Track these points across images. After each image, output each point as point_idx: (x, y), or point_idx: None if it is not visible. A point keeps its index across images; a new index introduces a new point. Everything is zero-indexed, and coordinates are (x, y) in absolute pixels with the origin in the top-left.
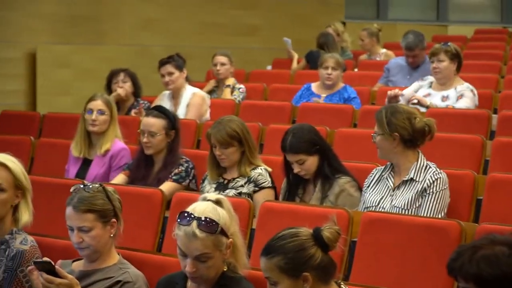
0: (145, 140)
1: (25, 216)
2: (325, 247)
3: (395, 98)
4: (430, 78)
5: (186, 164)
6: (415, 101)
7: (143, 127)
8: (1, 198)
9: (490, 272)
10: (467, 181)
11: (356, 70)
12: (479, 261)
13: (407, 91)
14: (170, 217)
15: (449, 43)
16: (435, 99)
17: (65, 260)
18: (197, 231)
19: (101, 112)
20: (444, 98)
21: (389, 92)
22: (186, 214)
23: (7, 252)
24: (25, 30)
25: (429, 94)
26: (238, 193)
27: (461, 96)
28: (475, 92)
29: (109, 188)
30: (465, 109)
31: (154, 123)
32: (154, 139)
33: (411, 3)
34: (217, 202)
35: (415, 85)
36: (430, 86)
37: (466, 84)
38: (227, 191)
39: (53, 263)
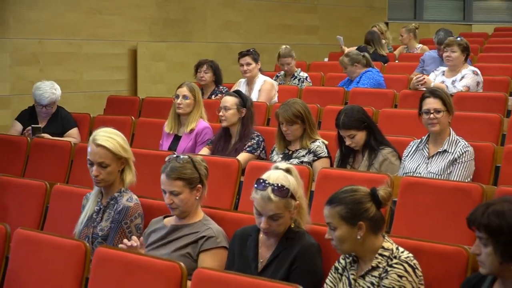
0: (220, 113)
1: (129, 176)
2: (379, 204)
3: (422, 83)
4: (442, 68)
5: (257, 138)
6: (422, 82)
7: (220, 104)
8: (108, 171)
9: (497, 223)
10: (488, 151)
11: (397, 61)
12: (489, 214)
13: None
14: (245, 181)
15: (461, 38)
16: (448, 84)
17: (157, 218)
18: (272, 195)
19: (185, 97)
20: (453, 82)
21: (418, 78)
22: (262, 181)
23: (115, 207)
24: (128, 31)
25: (443, 82)
26: (300, 161)
27: (462, 77)
28: (478, 72)
29: (197, 158)
30: (482, 93)
31: (228, 99)
32: (227, 113)
33: (442, 6)
34: (287, 171)
35: (432, 75)
36: (443, 74)
37: (470, 68)
38: (291, 160)
39: None
